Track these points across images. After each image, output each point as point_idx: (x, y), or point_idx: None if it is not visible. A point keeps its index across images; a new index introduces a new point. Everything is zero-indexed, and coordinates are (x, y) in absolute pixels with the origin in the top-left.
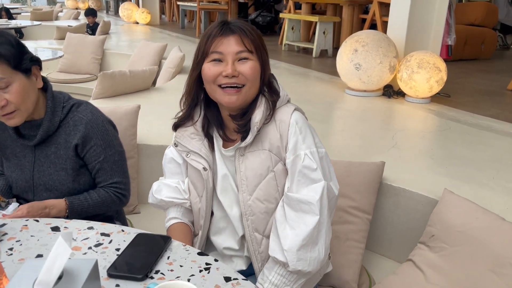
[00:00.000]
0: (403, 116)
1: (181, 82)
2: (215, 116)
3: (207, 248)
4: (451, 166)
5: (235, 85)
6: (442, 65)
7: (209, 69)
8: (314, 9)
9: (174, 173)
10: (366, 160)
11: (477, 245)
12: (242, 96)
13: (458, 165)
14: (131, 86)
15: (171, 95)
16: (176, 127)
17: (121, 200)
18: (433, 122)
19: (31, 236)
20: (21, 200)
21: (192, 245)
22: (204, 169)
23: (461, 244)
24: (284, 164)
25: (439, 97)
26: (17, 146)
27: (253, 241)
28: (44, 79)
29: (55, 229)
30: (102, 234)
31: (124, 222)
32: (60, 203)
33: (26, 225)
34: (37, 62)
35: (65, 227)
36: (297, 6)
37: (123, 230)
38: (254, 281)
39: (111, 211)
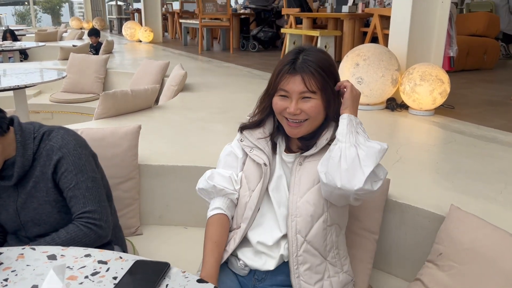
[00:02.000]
0: (407, 129)
1: (183, 100)
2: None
3: (240, 242)
4: (457, 180)
5: (297, 120)
6: (445, 77)
7: (276, 103)
8: (315, 24)
9: (230, 165)
10: None
11: (487, 263)
12: (303, 130)
13: (464, 178)
14: (133, 105)
15: (173, 113)
16: (244, 128)
17: (95, 232)
18: (437, 134)
19: (27, 265)
20: (13, 236)
21: (227, 238)
22: (265, 164)
23: (470, 263)
24: None
25: (443, 109)
26: None
27: (293, 242)
28: (4, 118)
29: (52, 257)
30: (100, 261)
31: (123, 246)
32: None
33: (22, 254)
34: None
35: (62, 255)
36: (298, 21)
37: (121, 257)
38: (284, 284)
39: (92, 246)
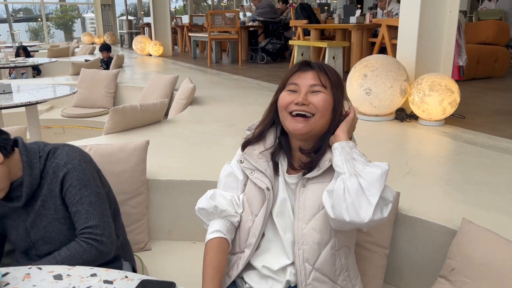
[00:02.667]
0: (417, 140)
1: (192, 114)
2: (287, 144)
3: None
4: (469, 192)
5: (304, 112)
6: (455, 87)
7: (284, 97)
8: (323, 35)
9: (230, 187)
10: None
11: (501, 279)
12: (309, 125)
13: (476, 190)
14: (142, 120)
15: (182, 127)
16: (246, 144)
17: (96, 248)
18: (448, 145)
19: (33, 286)
20: (23, 254)
21: (227, 263)
22: (268, 189)
23: (484, 278)
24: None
25: (453, 119)
26: (8, 210)
27: (302, 271)
28: (7, 139)
29: (58, 277)
30: (105, 281)
31: (132, 261)
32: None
33: (29, 274)
34: None
35: (68, 275)
36: (306, 33)
37: (126, 277)
38: None
39: (96, 263)
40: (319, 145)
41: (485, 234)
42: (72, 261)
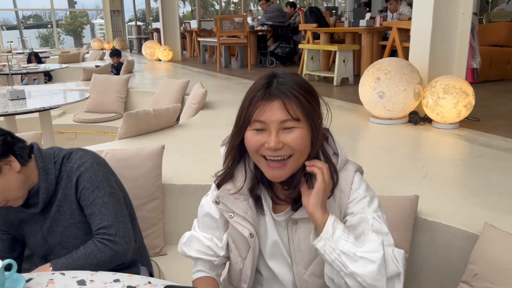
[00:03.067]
0: (432, 144)
1: (204, 118)
2: (264, 175)
3: None
4: (488, 196)
5: (279, 157)
6: (469, 89)
7: (251, 138)
8: (332, 38)
9: (209, 227)
10: (397, 193)
11: None
12: (288, 170)
13: (496, 194)
14: (155, 125)
15: (194, 131)
16: (219, 185)
17: (110, 248)
18: (464, 148)
19: None
20: (42, 260)
21: None
22: (251, 235)
23: (509, 283)
24: None
25: (468, 122)
26: (26, 216)
27: None
28: (24, 147)
29: (81, 282)
30: (129, 287)
31: (149, 266)
32: (45, 268)
33: (52, 280)
34: (3, 154)
35: (91, 280)
36: (316, 36)
37: (149, 282)
38: None
39: (113, 263)
40: (300, 178)
41: (508, 239)
42: (87, 260)
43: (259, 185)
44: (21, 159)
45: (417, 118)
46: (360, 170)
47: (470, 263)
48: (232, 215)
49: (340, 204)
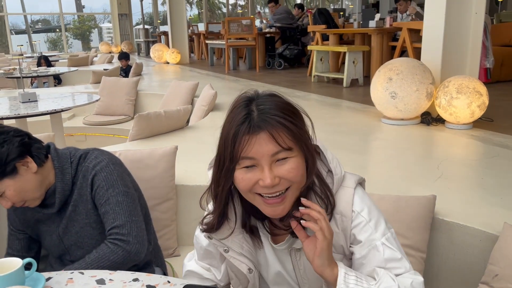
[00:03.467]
0: (446, 144)
1: (214, 120)
2: (256, 209)
3: None
4: (506, 196)
5: (277, 193)
6: (483, 89)
7: (242, 178)
8: (341, 39)
9: (207, 257)
10: (413, 193)
11: None
12: (288, 203)
13: None
14: (166, 126)
15: (205, 133)
16: (209, 236)
17: (123, 249)
18: (478, 149)
19: None
20: (57, 260)
21: None
22: (250, 270)
23: None
24: (349, 259)
25: (482, 122)
26: (42, 216)
27: None
28: (41, 148)
29: (101, 281)
30: (148, 286)
31: (163, 267)
32: None
33: (72, 279)
34: (20, 155)
35: (110, 279)
36: (325, 38)
37: (169, 282)
38: None
39: (126, 264)
40: (297, 205)
41: None
42: (100, 263)
43: (250, 218)
44: (38, 159)
45: (429, 118)
46: (360, 182)
47: (490, 263)
48: (227, 249)
49: (344, 228)
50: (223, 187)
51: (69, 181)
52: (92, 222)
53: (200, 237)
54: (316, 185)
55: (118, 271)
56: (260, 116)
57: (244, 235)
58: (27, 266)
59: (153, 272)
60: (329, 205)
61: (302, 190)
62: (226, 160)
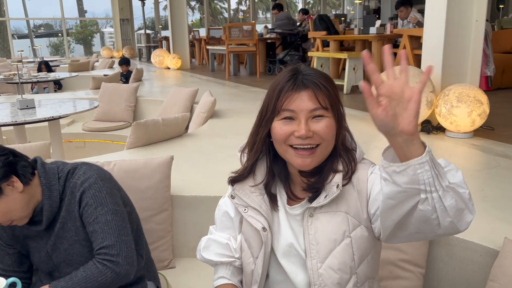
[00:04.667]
0: (446, 153)
1: (213, 127)
2: (282, 170)
3: None
4: (508, 209)
5: (309, 146)
6: (484, 98)
7: (280, 128)
8: (342, 46)
9: (226, 227)
10: None
11: None
12: (316, 158)
13: None
14: (164, 134)
15: (203, 141)
16: (233, 181)
17: (112, 270)
18: (479, 158)
19: None
20: (47, 275)
21: None
22: (264, 229)
23: None
24: (366, 229)
25: (483, 131)
26: (30, 232)
27: None
28: (27, 166)
29: None
30: None
31: (156, 280)
32: None
33: None
34: (5, 175)
35: None
36: (325, 44)
37: None
38: None
39: (115, 285)
40: (321, 168)
41: None
42: (88, 284)
43: (275, 181)
44: (24, 178)
45: (430, 127)
46: (376, 166)
47: (490, 280)
48: (247, 209)
49: (360, 190)
50: (261, 135)
51: (56, 198)
52: (81, 240)
53: (222, 204)
54: (342, 150)
55: None
56: (305, 77)
57: (264, 198)
58: (12, 285)
59: (146, 287)
60: (350, 170)
61: (329, 153)
62: (269, 111)
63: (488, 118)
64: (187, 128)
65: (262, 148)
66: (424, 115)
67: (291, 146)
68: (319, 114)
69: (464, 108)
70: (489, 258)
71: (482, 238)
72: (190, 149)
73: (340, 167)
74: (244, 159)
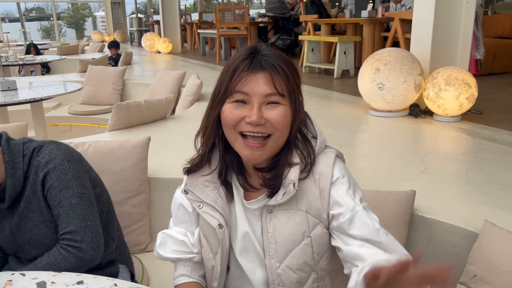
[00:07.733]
0: (432, 137)
1: (199, 110)
2: (235, 160)
3: None
4: (490, 192)
5: (259, 134)
6: (472, 81)
7: (230, 112)
8: (333, 30)
9: (183, 221)
10: (395, 188)
11: None
12: (267, 150)
13: (498, 190)
14: (147, 117)
15: (188, 123)
16: (188, 171)
17: (75, 256)
18: (466, 142)
19: None
20: (14, 257)
21: None
22: (220, 226)
23: (509, 286)
24: (325, 227)
25: (471, 115)
26: None
27: None
28: None
29: (41, 284)
30: None
31: (129, 264)
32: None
33: (11, 281)
34: None
35: (52, 282)
36: (317, 28)
37: (116, 285)
38: None
39: (80, 270)
40: (276, 162)
41: (510, 238)
42: (51, 269)
43: (229, 171)
44: None
45: (417, 110)
46: (340, 156)
47: (469, 263)
48: (201, 205)
49: (322, 188)
50: (212, 118)
51: (20, 177)
52: (46, 220)
53: (178, 196)
54: (299, 141)
55: (62, 273)
56: (263, 58)
57: (219, 192)
58: None
59: (117, 270)
60: (309, 163)
61: (282, 145)
62: (221, 92)
63: (478, 103)
64: (174, 111)
65: (215, 134)
66: (412, 98)
67: (241, 134)
68: (274, 101)
69: (452, 91)
70: (469, 241)
71: (462, 221)
72: (173, 132)
73: (296, 160)
74: (199, 145)
